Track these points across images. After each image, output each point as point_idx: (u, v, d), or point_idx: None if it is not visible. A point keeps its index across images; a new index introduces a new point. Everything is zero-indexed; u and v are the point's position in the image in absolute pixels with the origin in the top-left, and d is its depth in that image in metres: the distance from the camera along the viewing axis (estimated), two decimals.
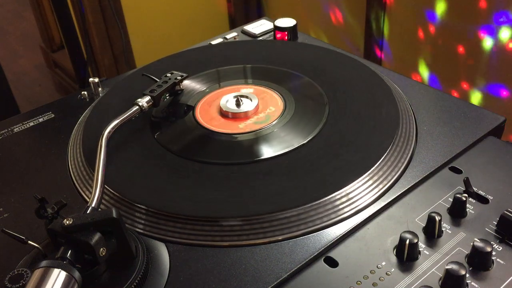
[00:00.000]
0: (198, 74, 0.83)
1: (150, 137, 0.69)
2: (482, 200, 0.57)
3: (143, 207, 0.58)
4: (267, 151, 0.64)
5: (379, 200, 0.58)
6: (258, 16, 2.15)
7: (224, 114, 0.72)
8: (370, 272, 0.50)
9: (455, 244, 0.52)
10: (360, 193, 0.58)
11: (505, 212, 0.53)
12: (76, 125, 0.77)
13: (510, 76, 1.30)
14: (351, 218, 0.56)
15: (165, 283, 0.50)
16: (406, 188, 0.59)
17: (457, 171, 0.62)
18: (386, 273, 0.50)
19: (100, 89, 0.84)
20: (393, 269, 0.50)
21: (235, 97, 0.74)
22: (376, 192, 0.59)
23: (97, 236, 0.46)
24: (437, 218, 0.52)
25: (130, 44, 1.97)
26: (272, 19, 1.00)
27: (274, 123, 0.70)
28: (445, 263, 0.50)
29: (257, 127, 0.69)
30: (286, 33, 0.94)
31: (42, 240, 0.50)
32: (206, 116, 0.72)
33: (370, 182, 0.59)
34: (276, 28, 0.94)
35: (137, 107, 0.69)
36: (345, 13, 1.73)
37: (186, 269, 0.52)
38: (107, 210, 0.47)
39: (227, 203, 0.57)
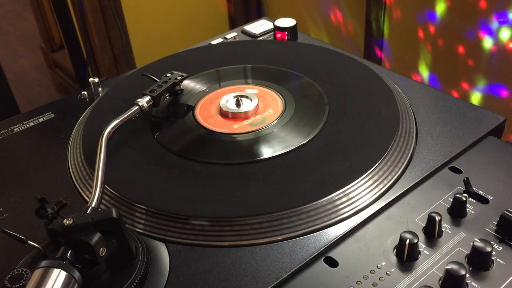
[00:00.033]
0: (198, 74, 0.83)
1: (150, 137, 0.69)
2: (482, 200, 0.57)
3: (143, 207, 0.58)
4: (267, 151, 0.64)
5: (379, 200, 0.58)
6: (258, 16, 2.15)
7: (224, 114, 0.72)
8: (370, 272, 0.50)
9: (455, 244, 0.52)
10: (360, 193, 0.58)
11: (505, 212, 0.53)
12: (76, 125, 0.77)
13: (510, 76, 1.30)
14: (351, 218, 0.56)
15: (165, 283, 0.50)
16: (406, 188, 0.59)
17: (457, 171, 0.62)
18: (386, 273, 0.50)
19: (100, 89, 0.84)
20: (393, 269, 0.50)
21: (235, 97, 0.74)
22: (376, 192, 0.59)
23: (97, 236, 0.46)
24: (437, 218, 0.52)
25: (130, 44, 1.97)
26: (272, 19, 1.00)
27: (274, 123, 0.70)
28: (445, 263, 0.50)
29: (252, 129, 0.69)
30: (286, 33, 0.94)
31: (42, 240, 0.50)
32: (206, 116, 0.72)
33: (370, 182, 0.59)
34: (276, 28, 0.94)
35: (137, 107, 0.69)
36: (345, 13, 1.73)
37: (186, 269, 0.52)
38: (107, 210, 0.47)
39: (227, 203, 0.57)
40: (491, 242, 0.50)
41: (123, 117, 0.66)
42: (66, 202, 0.50)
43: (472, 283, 0.48)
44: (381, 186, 0.59)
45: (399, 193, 0.59)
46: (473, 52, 1.35)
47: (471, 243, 0.50)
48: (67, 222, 0.46)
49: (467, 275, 0.48)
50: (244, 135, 0.68)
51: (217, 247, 0.54)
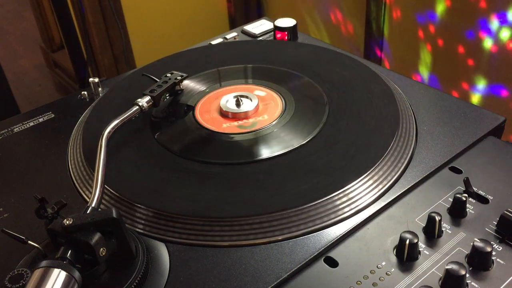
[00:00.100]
0: (198, 74, 0.83)
1: (150, 137, 0.69)
2: (482, 200, 0.57)
3: (143, 207, 0.58)
4: (267, 151, 0.64)
5: (379, 200, 0.58)
6: (258, 16, 2.15)
7: (224, 114, 0.72)
8: (370, 272, 0.50)
9: (455, 244, 0.52)
10: (360, 193, 0.58)
11: (505, 212, 0.53)
12: (76, 125, 0.77)
13: (510, 76, 1.30)
14: (351, 218, 0.56)
15: (165, 283, 0.50)
16: (406, 188, 0.59)
17: (457, 171, 0.62)
18: (386, 273, 0.50)
19: (100, 89, 0.84)
20: (393, 269, 0.50)
21: (235, 97, 0.74)
22: (376, 192, 0.59)
23: (97, 236, 0.46)
24: (437, 218, 0.52)
25: (130, 44, 1.97)
26: (272, 19, 1.00)
27: (274, 123, 0.70)
28: (445, 263, 0.50)
29: (238, 131, 0.69)
30: (286, 33, 0.94)
31: (42, 240, 0.50)
32: (206, 116, 0.72)
33: (370, 182, 0.59)
34: (276, 28, 0.94)
35: (137, 107, 0.69)
36: (345, 13, 1.73)
37: (186, 269, 0.52)
38: (107, 210, 0.47)
39: (227, 203, 0.57)
40: (491, 242, 0.50)
41: (123, 117, 0.66)
42: (66, 202, 0.50)
43: (472, 283, 0.48)
44: (381, 186, 0.59)
45: (399, 193, 0.59)
46: (473, 52, 1.35)
47: (471, 243, 0.50)
48: (67, 222, 0.46)
49: (467, 275, 0.48)
50: (244, 135, 0.68)
51: (217, 247, 0.54)
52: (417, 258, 0.51)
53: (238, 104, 0.72)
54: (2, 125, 0.79)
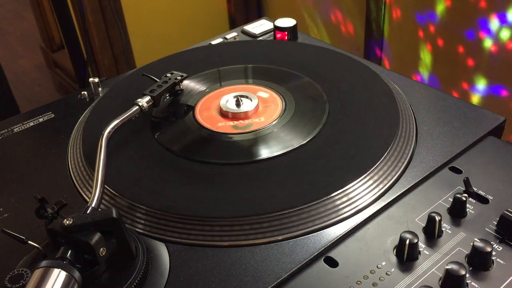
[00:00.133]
0: (198, 74, 0.83)
1: (150, 137, 0.69)
2: (482, 200, 0.57)
3: (143, 207, 0.58)
4: (268, 151, 0.64)
5: (379, 200, 0.58)
6: (258, 16, 2.15)
7: (224, 114, 0.72)
8: (370, 272, 0.50)
9: (455, 244, 0.52)
10: (360, 193, 0.58)
11: (505, 212, 0.53)
12: (76, 125, 0.77)
13: (510, 76, 1.30)
14: (351, 218, 0.56)
15: (165, 283, 0.50)
16: (406, 188, 0.59)
17: (457, 171, 0.62)
18: (386, 273, 0.50)
19: (100, 89, 0.84)
20: (393, 269, 0.50)
21: (235, 97, 0.74)
22: (376, 192, 0.59)
23: (97, 236, 0.46)
24: (437, 218, 0.52)
25: (130, 44, 1.97)
26: (272, 19, 1.00)
27: (274, 123, 0.70)
28: (445, 263, 0.50)
29: (233, 131, 0.69)
30: (286, 33, 0.94)
31: (42, 240, 0.50)
32: (206, 116, 0.72)
33: (370, 182, 0.59)
34: (276, 28, 0.94)
35: (137, 107, 0.69)
36: (345, 13, 1.73)
37: (186, 269, 0.52)
38: (107, 210, 0.47)
39: (227, 203, 0.57)
40: (491, 242, 0.50)
41: (123, 117, 0.66)
42: (66, 202, 0.50)
43: (472, 283, 0.48)
44: (381, 186, 0.59)
45: (399, 193, 0.59)
46: (473, 52, 1.35)
47: (471, 243, 0.50)
48: (67, 222, 0.46)
49: (467, 275, 0.48)
50: (244, 135, 0.68)
51: (217, 247, 0.54)
52: (417, 258, 0.51)
53: (238, 104, 0.72)
54: (2, 125, 0.79)
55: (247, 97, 0.74)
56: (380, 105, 0.71)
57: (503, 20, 1.25)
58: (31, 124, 0.79)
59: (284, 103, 0.73)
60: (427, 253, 0.52)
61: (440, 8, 1.39)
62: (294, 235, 0.54)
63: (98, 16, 1.85)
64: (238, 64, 0.85)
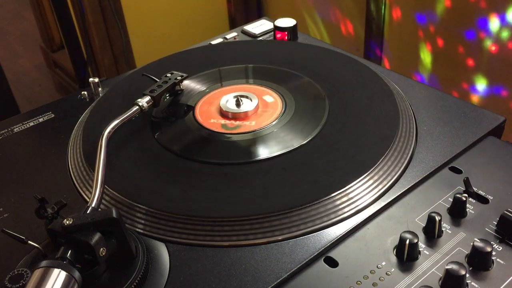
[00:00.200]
0: (198, 74, 0.83)
1: (150, 137, 0.69)
2: (482, 200, 0.57)
3: (143, 207, 0.58)
4: (268, 151, 0.64)
5: (379, 200, 0.58)
6: (258, 16, 2.15)
7: (224, 114, 0.72)
8: (370, 272, 0.50)
9: (455, 244, 0.52)
10: (360, 193, 0.58)
11: (505, 212, 0.53)
12: (76, 125, 0.77)
13: (510, 76, 1.30)
14: (351, 218, 0.56)
15: (165, 283, 0.50)
16: (406, 188, 0.59)
17: (457, 171, 0.62)
18: (386, 273, 0.50)
19: (100, 89, 0.84)
20: (393, 269, 0.50)
21: (235, 97, 0.74)
22: (376, 192, 0.59)
23: (97, 236, 0.46)
24: (437, 218, 0.52)
25: (130, 44, 1.97)
26: (272, 19, 1.00)
27: (274, 123, 0.69)
28: (445, 263, 0.50)
29: (222, 131, 0.69)
30: (286, 33, 0.94)
31: (42, 240, 0.50)
32: (206, 116, 0.72)
33: (370, 182, 0.59)
34: (276, 28, 0.94)
35: (137, 107, 0.69)
36: (345, 13, 1.73)
37: (186, 269, 0.52)
38: (107, 210, 0.47)
39: (227, 203, 0.57)
40: (491, 242, 0.50)
41: (123, 117, 0.66)
42: (66, 202, 0.50)
43: (472, 283, 0.48)
44: (381, 186, 0.59)
45: (399, 193, 0.59)
46: (473, 52, 1.35)
47: (471, 243, 0.50)
48: (67, 222, 0.46)
49: (467, 275, 0.48)
50: (244, 135, 0.68)
51: (217, 247, 0.54)
52: (417, 258, 0.51)
53: (238, 104, 0.72)
54: (2, 125, 0.79)
55: (247, 97, 0.74)
56: (380, 105, 0.71)
57: (503, 20, 1.25)
58: (31, 124, 0.79)
59: (284, 103, 0.73)
60: (427, 253, 0.52)
61: (440, 8, 1.39)
62: (294, 235, 0.54)
63: (98, 16, 1.85)
64: (238, 64, 0.85)
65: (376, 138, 0.65)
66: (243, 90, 0.77)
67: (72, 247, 0.46)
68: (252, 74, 0.83)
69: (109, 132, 0.63)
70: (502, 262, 0.50)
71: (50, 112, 0.81)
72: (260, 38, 0.98)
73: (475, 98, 1.40)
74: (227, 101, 0.73)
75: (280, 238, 0.54)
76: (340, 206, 0.57)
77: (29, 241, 0.47)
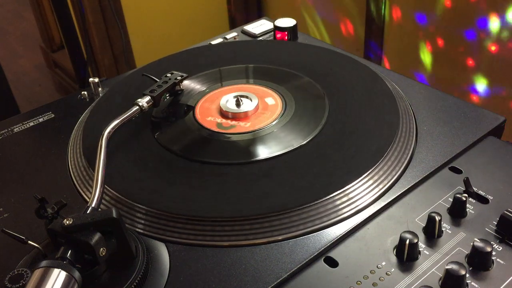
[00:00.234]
0: (198, 74, 0.83)
1: (150, 137, 0.69)
2: (482, 200, 0.57)
3: (143, 207, 0.58)
4: (268, 151, 0.64)
5: (379, 200, 0.58)
6: (258, 16, 2.15)
7: (224, 114, 0.72)
8: (370, 272, 0.50)
9: (455, 244, 0.52)
10: (360, 193, 0.58)
11: (505, 212, 0.53)
12: (76, 125, 0.77)
13: (510, 76, 1.30)
14: (351, 218, 0.56)
15: (165, 283, 0.50)
16: (406, 188, 0.59)
17: (457, 171, 0.62)
18: (386, 273, 0.50)
19: (100, 89, 0.84)
20: (393, 269, 0.50)
21: (235, 97, 0.74)
22: (376, 192, 0.59)
23: (97, 236, 0.46)
24: (437, 218, 0.52)
25: (130, 44, 1.97)
26: (272, 19, 1.00)
27: (274, 123, 0.69)
28: (445, 263, 0.50)
29: (217, 130, 0.69)
30: (286, 33, 0.94)
31: (42, 240, 0.50)
32: (206, 116, 0.72)
33: (370, 182, 0.59)
34: (276, 28, 0.94)
35: (137, 107, 0.69)
36: (345, 13, 1.73)
37: (186, 269, 0.52)
38: (107, 210, 0.47)
39: (227, 203, 0.57)
40: (491, 242, 0.50)
41: (123, 117, 0.66)
42: (66, 202, 0.50)
43: (472, 283, 0.48)
44: (381, 186, 0.59)
45: (399, 193, 0.59)
46: (473, 52, 1.35)
47: (471, 243, 0.50)
48: (67, 222, 0.46)
49: (467, 275, 0.48)
50: (244, 135, 0.68)
51: (217, 247, 0.54)
52: (417, 258, 0.51)
53: (238, 104, 0.72)
54: (2, 125, 0.79)
55: (247, 97, 0.74)
56: (380, 105, 0.71)
57: (503, 20, 1.25)
58: (31, 124, 0.79)
59: (284, 103, 0.73)
60: (427, 253, 0.52)
61: (440, 8, 1.39)
62: (294, 235, 0.54)
63: (98, 16, 1.85)
64: (238, 64, 0.85)
65: (376, 138, 0.65)
66: (243, 90, 0.77)
67: (72, 247, 0.46)
68: (252, 74, 0.83)
69: (109, 132, 0.63)
70: (502, 262, 0.50)
71: (50, 112, 0.81)
72: (260, 38, 0.98)
73: (475, 98, 1.40)
74: (227, 101, 0.73)
75: (280, 238, 0.54)
76: (340, 206, 0.57)
77: (29, 241, 0.47)
